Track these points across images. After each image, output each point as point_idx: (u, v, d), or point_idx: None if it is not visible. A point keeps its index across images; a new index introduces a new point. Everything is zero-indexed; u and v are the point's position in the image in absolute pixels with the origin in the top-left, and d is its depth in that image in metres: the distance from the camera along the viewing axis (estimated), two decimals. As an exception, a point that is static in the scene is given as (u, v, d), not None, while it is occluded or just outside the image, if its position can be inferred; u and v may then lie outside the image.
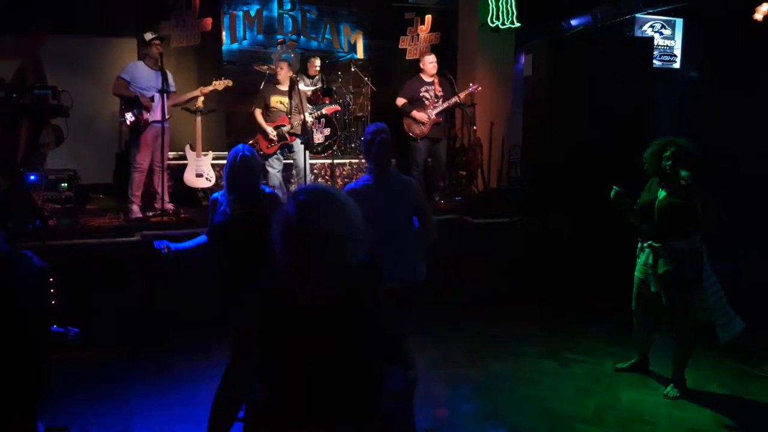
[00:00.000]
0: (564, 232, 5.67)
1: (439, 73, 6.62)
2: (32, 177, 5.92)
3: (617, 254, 4.55)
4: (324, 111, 6.59)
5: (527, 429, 3.49)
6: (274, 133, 6.13)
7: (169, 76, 5.69)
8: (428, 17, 7.95)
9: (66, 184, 6.29)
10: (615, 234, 4.57)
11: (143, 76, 5.59)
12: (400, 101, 6.59)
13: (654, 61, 7.08)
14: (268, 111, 6.24)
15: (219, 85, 5.93)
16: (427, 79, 6.56)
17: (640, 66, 6.14)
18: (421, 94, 6.53)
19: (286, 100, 6.16)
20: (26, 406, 1.84)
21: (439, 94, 6.51)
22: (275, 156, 6.20)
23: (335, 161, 7.40)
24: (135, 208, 5.69)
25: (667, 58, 8.16)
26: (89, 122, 6.58)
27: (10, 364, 1.81)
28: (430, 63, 6.54)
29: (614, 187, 3.86)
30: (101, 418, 3.50)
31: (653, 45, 6.81)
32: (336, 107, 6.84)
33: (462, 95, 6.47)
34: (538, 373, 4.23)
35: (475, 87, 6.59)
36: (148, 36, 5.64)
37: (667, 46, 8.17)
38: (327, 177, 7.41)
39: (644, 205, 3.82)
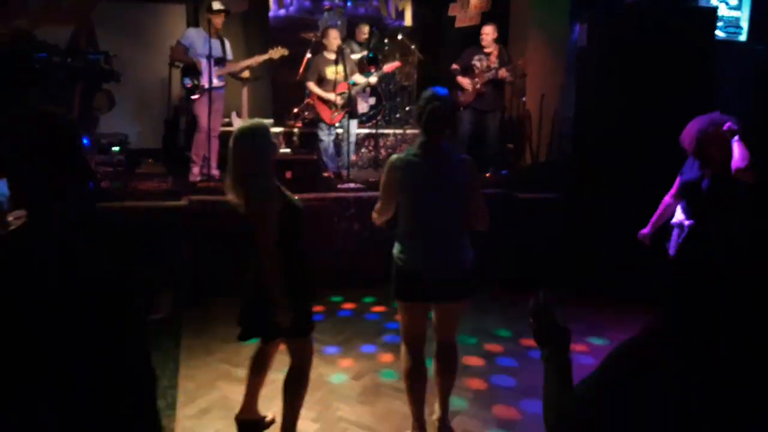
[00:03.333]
0: (613, 209, 5.50)
1: (498, 42, 6.44)
2: (85, 140, 6.08)
3: (667, 233, 4.38)
4: (385, 69, 6.50)
5: (568, 406, 3.44)
6: (340, 100, 6.10)
7: (227, 44, 5.71)
8: (479, -16, 7.71)
9: (117, 148, 6.45)
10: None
11: (202, 43, 5.63)
12: (453, 67, 6.48)
13: (717, 33, 6.72)
14: (323, 82, 6.20)
15: (275, 53, 5.88)
16: (485, 50, 6.38)
17: (702, 38, 5.84)
18: (472, 62, 6.38)
19: (340, 68, 6.09)
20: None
21: (493, 65, 6.33)
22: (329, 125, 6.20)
23: (379, 131, 7.36)
24: (195, 170, 5.77)
25: (732, 29, 7.73)
26: (139, 87, 6.69)
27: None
28: (485, 34, 6.36)
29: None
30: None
31: (717, 15, 6.45)
32: (397, 63, 6.72)
33: (503, 71, 6.23)
34: (582, 350, 4.16)
35: (519, 64, 6.37)
36: (216, 5, 5.64)
37: (732, 17, 7.74)
38: (371, 147, 7.38)
39: (690, 181, 3.60)
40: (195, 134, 5.75)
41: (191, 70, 5.62)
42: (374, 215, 2.94)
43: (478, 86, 6.31)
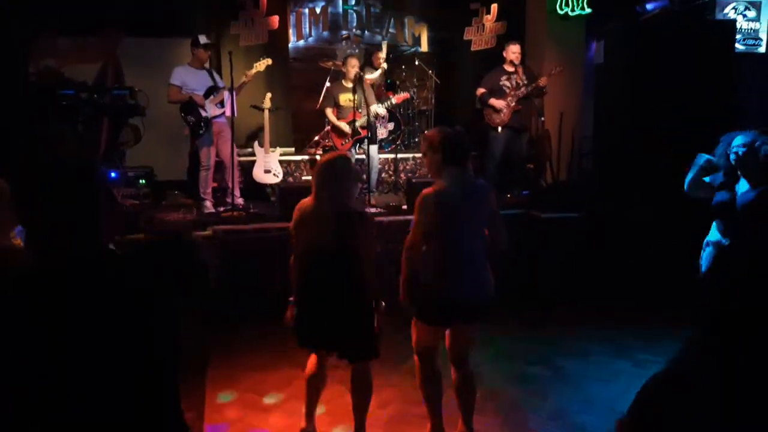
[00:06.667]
0: (637, 226, 5.44)
1: (522, 62, 6.50)
2: (113, 174, 6.23)
3: (693, 250, 4.32)
4: (394, 101, 6.58)
5: (595, 429, 3.38)
6: (349, 129, 6.21)
7: (214, 73, 5.87)
8: (494, 7, 7.79)
9: (144, 181, 6.58)
10: (691, 228, 4.33)
11: (192, 77, 5.80)
12: (480, 91, 6.52)
13: (737, 46, 6.67)
14: (339, 109, 6.32)
15: (260, 65, 6.02)
16: (509, 69, 6.44)
17: (722, 51, 5.80)
18: (501, 83, 6.42)
19: (356, 96, 6.20)
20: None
21: (522, 82, 6.37)
22: (348, 152, 6.30)
23: (399, 156, 7.41)
24: (208, 204, 5.91)
25: (751, 42, 7.67)
26: (164, 121, 6.83)
27: None
28: (513, 53, 6.40)
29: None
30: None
31: (736, 28, 6.42)
32: (405, 95, 6.80)
33: (543, 79, 6.28)
34: (609, 372, 4.09)
35: (558, 69, 6.35)
36: (203, 40, 5.81)
37: (751, 29, 7.68)
38: (390, 172, 7.43)
39: (723, 199, 3.57)
40: (200, 173, 5.89)
41: (190, 108, 5.76)
42: (410, 253, 2.89)
43: (513, 104, 6.34)
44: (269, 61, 6.08)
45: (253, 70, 5.98)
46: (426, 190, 2.87)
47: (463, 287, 2.86)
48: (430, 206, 2.82)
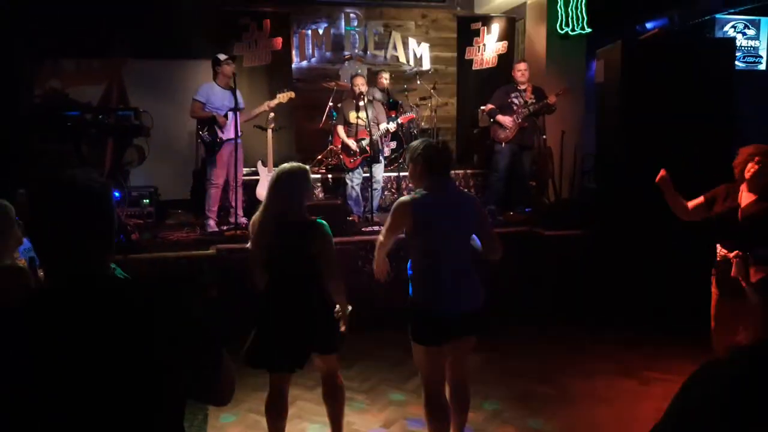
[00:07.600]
0: (641, 244, 5.43)
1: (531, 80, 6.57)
2: (117, 194, 6.26)
3: (698, 268, 4.30)
4: (400, 120, 6.64)
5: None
6: (356, 147, 6.27)
7: (238, 93, 5.91)
8: (495, 26, 7.88)
9: (147, 201, 6.62)
10: (695, 246, 4.33)
11: (217, 96, 5.81)
12: (488, 107, 6.59)
13: (737, 63, 6.71)
14: (348, 126, 6.37)
15: (283, 97, 6.08)
16: (518, 87, 6.52)
17: (722, 69, 5.83)
18: (509, 100, 6.49)
19: (363, 114, 6.25)
20: None
21: (530, 100, 6.43)
22: (356, 169, 6.35)
23: (401, 174, 7.43)
24: (211, 222, 5.92)
25: (751, 59, 7.73)
26: (168, 141, 6.90)
27: None
28: (519, 71, 6.48)
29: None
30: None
31: (735, 46, 6.46)
32: (411, 115, 6.88)
33: (552, 97, 6.33)
34: (615, 391, 4.05)
35: (562, 90, 6.42)
36: (222, 56, 5.87)
37: (751, 47, 7.74)
38: (393, 189, 7.45)
39: (725, 213, 3.57)
40: (208, 190, 5.90)
41: (209, 125, 5.78)
42: (380, 249, 3.02)
43: (519, 120, 6.40)
44: (292, 95, 6.14)
45: (275, 101, 6.05)
46: (402, 198, 2.87)
47: (450, 300, 2.80)
48: (404, 214, 2.80)
